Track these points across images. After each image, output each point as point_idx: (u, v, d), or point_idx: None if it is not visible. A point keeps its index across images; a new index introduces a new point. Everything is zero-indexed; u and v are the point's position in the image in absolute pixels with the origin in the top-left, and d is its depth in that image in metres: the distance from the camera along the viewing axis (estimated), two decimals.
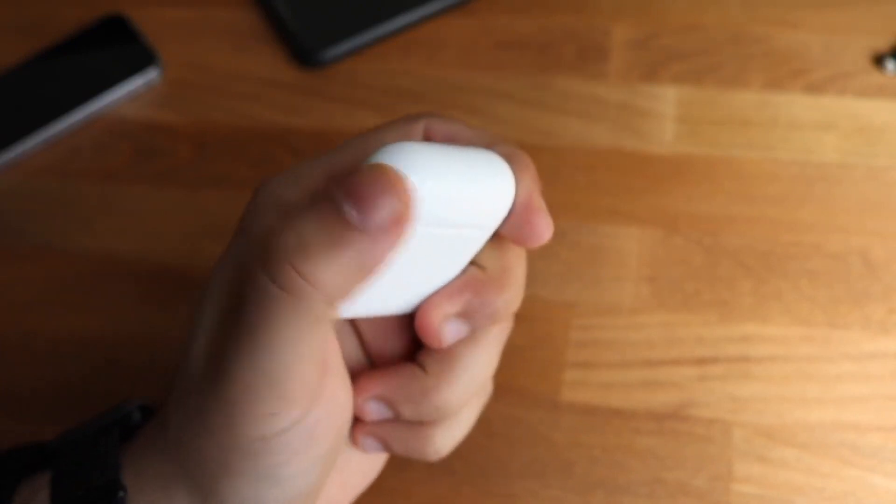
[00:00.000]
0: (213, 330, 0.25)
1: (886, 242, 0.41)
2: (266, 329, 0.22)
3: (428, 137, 0.27)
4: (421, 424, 0.29)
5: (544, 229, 0.26)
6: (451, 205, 0.23)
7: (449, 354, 0.28)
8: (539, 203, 0.26)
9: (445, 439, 0.29)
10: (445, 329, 0.27)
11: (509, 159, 0.26)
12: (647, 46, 0.49)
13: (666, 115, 0.46)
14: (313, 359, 0.23)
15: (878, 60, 0.47)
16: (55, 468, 0.28)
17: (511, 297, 0.27)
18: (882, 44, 0.48)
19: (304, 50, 0.49)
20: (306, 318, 0.22)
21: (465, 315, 0.27)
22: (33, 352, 0.41)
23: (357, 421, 0.29)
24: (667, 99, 0.47)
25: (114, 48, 0.50)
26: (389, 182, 0.21)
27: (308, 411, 0.24)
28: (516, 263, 0.27)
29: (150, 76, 0.49)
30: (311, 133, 0.47)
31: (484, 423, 0.38)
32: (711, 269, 0.41)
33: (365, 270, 0.22)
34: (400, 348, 0.29)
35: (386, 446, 0.29)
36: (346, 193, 0.21)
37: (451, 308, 0.27)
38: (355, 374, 0.29)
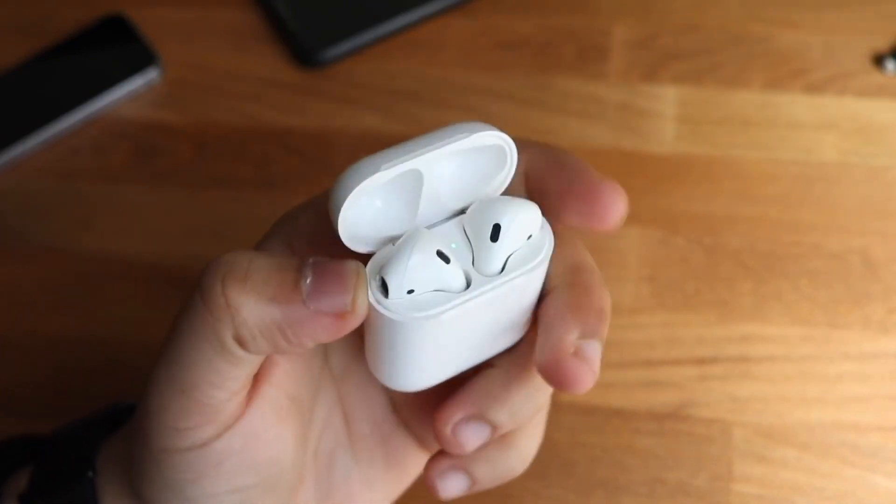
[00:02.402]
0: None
1: (886, 242, 0.41)
2: (182, 341, 0.23)
3: None
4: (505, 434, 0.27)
5: (612, 204, 0.23)
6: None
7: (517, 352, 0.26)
8: (592, 173, 0.23)
9: (530, 441, 0.28)
10: (462, 435, 0.25)
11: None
12: (647, 46, 0.49)
13: (666, 115, 0.46)
14: (224, 390, 0.23)
15: (878, 60, 0.47)
16: (40, 455, 0.29)
17: (523, 402, 0.25)
18: (882, 44, 0.48)
19: (304, 50, 0.49)
20: (213, 341, 0.22)
21: (480, 417, 0.25)
22: (33, 351, 0.41)
23: (431, 464, 0.28)
24: (667, 99, 0.47)
25: (114, 48, 0.50)
26: (355, 284, 0.22)
27: (215, 438, 0.24)
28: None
29: (150, 76, 0.49)
30: (311, 133, 0.47)
31: None
32: (711, 269, 0.41)
33: (282, 336, 0.22)
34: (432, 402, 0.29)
35: (472, 477, 0.27)
36: (315, 267, 0.22)
37: (461, 413, 0.25)
38: (386, 431, 0.29)
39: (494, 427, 0.25)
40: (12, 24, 0.52)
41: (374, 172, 0.21)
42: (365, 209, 0.22)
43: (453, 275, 0.23)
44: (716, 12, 0.50)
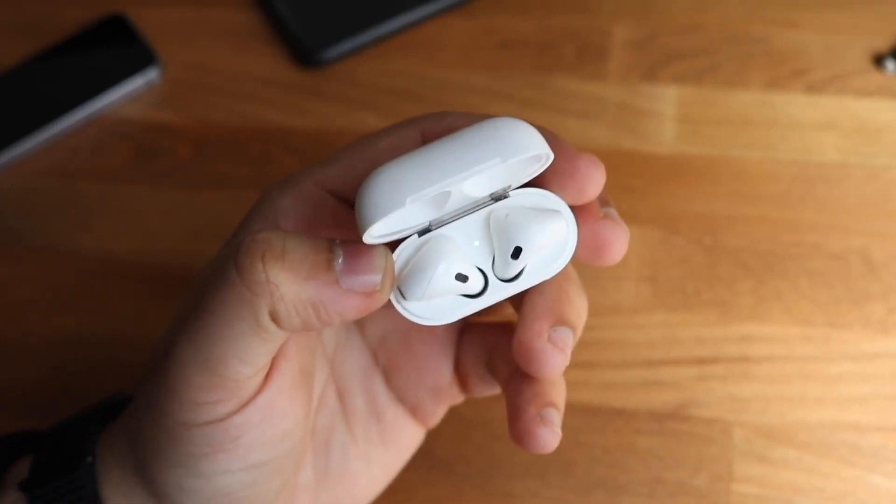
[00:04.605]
0: (177, 318, 0.25)
1: (886, 242, 0.41)
2: (213, 316, 0.23)
3: (425, 139, 0.26)
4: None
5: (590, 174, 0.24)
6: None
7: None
8: (569, 147, 0.24)
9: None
10: (559, 340, 0.25)
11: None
12: (647, 46, 0.49)
13: (666, 115, 0.46)
14: (251, 365, 0.23)
15: (878, 60, 0.47)
16: (40, 445, 0.29)
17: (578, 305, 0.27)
18: (882, 44, 0.48)
19: (304, 50, 0.49)
20: (249, 316, 0.22)
21: (562, 321, 0.26)
22: (33, 351, 0.41)
23: (519, 417, 0.27)
24: (667, 99, 0.47)
25: (114, 48, 0.50)
26: (383, 265, 0.23)
27: (234, 413, 0.24)
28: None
29: (150, 76, 0.49)
30: (311, 133, 0.47)
31: (485, 425, 0.38)
32: (711, 269, 0.41)
33: (314, 313, 0.23)
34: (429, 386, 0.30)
35: (559, 407, 0.27)
36: (345, 248, 0.23)
37: (546, 322, 0.26)
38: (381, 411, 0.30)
39: (573, 328, 0.26)
40: (12, 24, 0.52)
41: (402, 204, 0.21)
42: (391, 219, 0.23)
43: (471, 284, 0.24)
44: (716, 12, 0.50)
